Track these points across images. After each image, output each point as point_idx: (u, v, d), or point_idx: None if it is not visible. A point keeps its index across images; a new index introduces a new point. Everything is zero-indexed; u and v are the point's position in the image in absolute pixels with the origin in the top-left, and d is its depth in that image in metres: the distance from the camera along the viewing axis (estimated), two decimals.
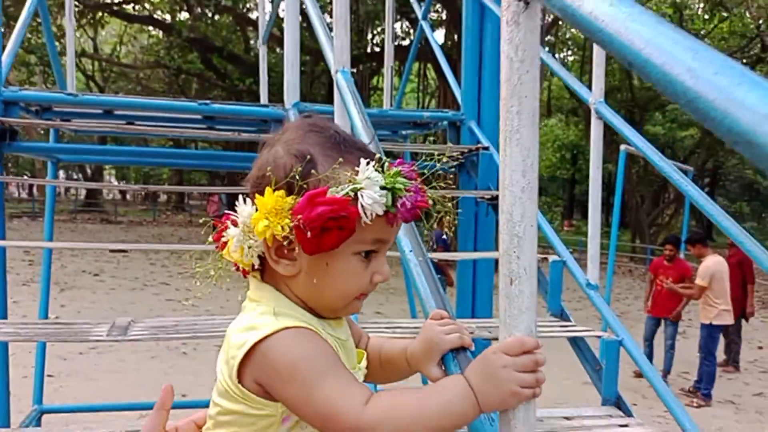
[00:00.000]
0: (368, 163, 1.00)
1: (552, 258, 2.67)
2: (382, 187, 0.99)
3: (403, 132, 4.36)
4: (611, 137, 21.47)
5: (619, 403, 2.35)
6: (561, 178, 33.75)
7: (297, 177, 0.97)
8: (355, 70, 20.61)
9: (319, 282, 1.01)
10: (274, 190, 0.97)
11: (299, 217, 0.94)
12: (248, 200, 1.01)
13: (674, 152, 23.81)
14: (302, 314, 1.03)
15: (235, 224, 1.02)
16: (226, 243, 1.04)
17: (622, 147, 8.19)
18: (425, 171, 1.08)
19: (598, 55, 2.69)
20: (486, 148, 3.25)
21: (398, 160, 1.05)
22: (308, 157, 1.00)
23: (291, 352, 0.95)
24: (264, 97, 4.94)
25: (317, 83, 21.23)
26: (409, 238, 1.52)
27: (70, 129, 3.75)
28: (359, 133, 1.99)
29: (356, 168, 0.99)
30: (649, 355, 8.20)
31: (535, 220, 0.94)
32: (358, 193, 0.97)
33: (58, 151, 3.90)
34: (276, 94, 4.20)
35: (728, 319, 7.72)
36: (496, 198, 3.33)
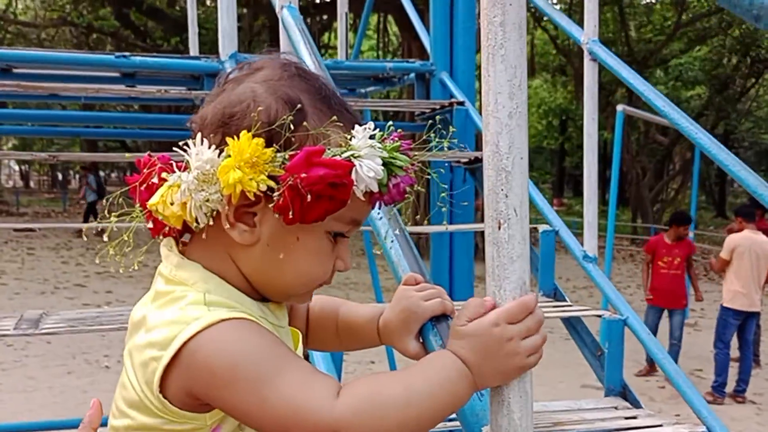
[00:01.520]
0: (366, 129, 0.99)
1: (543, 227, 2.70)
2: (383, 160, 0.99)
3: (363, 90, 4.35)
4: (606, 99, 21.74)
5: (625, 393, 2.39)
6: (548, 149, 34.10)
7: (288, 126, 0.95)
8: None
9: (285, 258, 0.99)
10: (253, 136, 0.94)
11: (294, 176, 0.91)
12: (204, 142, 0.97)
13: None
14: (239, 300, 1.01)
15: (181, 169, 0.99)
16: (152, 190, 1.00)
17: (619, 107, 8.33)
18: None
19: None
20: (461, 103, 3.26)
21: (395, 134, 1.04)
22: (299, 105, 0.98)
23: (231, 348, 0.91)
24: (194, 50, 4.87)
25: (257, 41, 21.01)
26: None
27: None
28: None
29: (347, 132, 0.99)
30: None
31: (525, 150, 0.94)
32: (357, 162, 0.96)
33: None
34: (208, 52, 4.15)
35: (743, 304, 7.85)
36: (475, 161, 3.35)
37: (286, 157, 0.94)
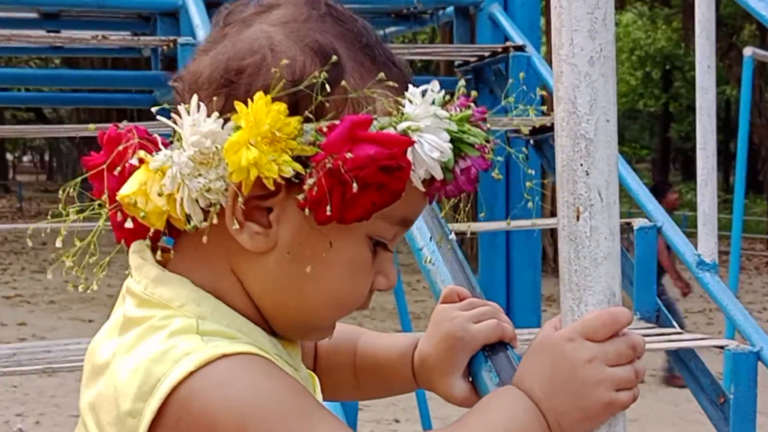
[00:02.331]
0: (425, 91, 1.00)
1: (639, 223, 2.71)
2: (450, 135, 1.00)
3: (381, 31, 4.37)
4: (728, 40, 21.38)
5: None
6: (646, 113, 33.87)
7: (321, 86, 0.94)
8: None
9: (311, 272, 0.99)
10: (272, 100, 0.93)
11: (334, 156, 0.91)
12: (201, 107, 0.95)
13: None
14: (244, 329, 1.01)
15: (166, 146, 0.99)
16: (123, 176, 0.99)
17: (747, 51, 8.29)
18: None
19: None
20: (521, 48, 3.26)
21: (462, 99, 1.05)
22: (334, 57, 0.97)
23: (239, 396, 0.91)
24: None
25: None
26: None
27: None
28: None
29: (398, 94, 1.00)
30: None
31: (613, 110, 0.97)
32: (416, 137, 0.96)
33: None
34: None
35: None
36: (542, 130, 3.36)
37: (320, 129, 0.94)
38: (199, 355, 0.92)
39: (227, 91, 0.97)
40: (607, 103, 0.96)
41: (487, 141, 1.03)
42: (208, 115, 0.95)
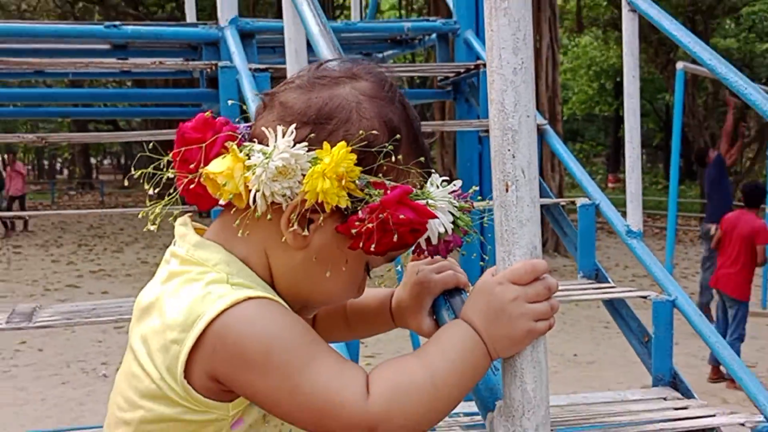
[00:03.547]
0: (446, 185, 1.10)
1: (581, 201, 2.76)
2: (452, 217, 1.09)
3: (379, 54, 4.41)
4: (668, 55, 21.39)
5: (675, 383, 2.45)
6: (601, 117, 33.77)
7: (386, 154, 1.04)
8: None
9: (332, 275, 1.07)
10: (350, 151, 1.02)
11: (387, 211, 1.00)
12: (292, 133, 1.03)
13: (753, 72, 23.86)
14: (263, 286, 1.07)
15: (261, 149, 1.04)
16: (209, 155, 1.06)
17: (679, 65, 8.31)
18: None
19: None
20: None
21: (463, 193, 1.14)
22: (398, 135, 1.07)
23: (264, 329, 0.98)
24: (192, 17, 4.97)
25: (261, 4, 21.12)
26: None
27: None
28: (321, 50, 2.04)
29: (423, 172, 1.10)
30: (723, 333, 8.13)
31: (532, 109, 1.03)
32: (433, 210, 1.05)
33: None
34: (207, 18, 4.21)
35: None
36: None
37: (374, 183, 1.03)
38: (230, 297, 0.99)
39: (313, 128, 1.05)
40: (527, 103, 1.02)
41: (468, 227, 1.13)
42: (298, 141, 1.03)
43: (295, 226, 1.04)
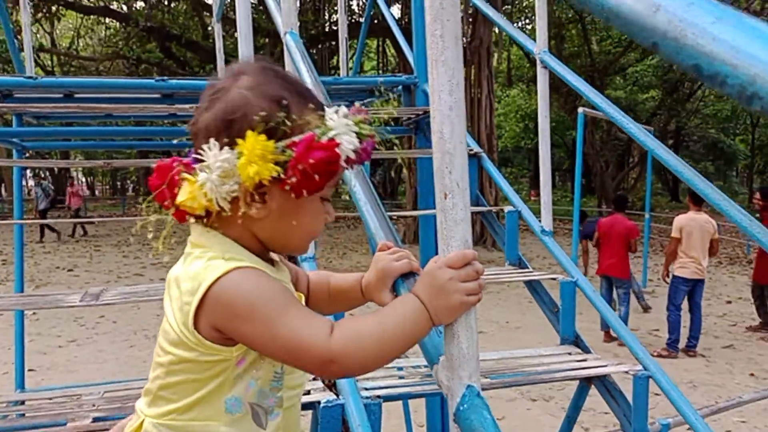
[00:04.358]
0: (337, 111, 1.04)
1: (507, 209, 2.74)
2: (355, 133, 1.03)
3: (359, 102, 4.37)
4: (574, 102, 21.64)
5: (577, 342, 2.43)
6: (525, 149, 33.95)
7: (282, 122, 0.99)
8: (314, 51, 20.46)
9: (297, 223, 1.05)
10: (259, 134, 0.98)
11: (305, 162, 0.96)
12: (215, 144, 1.00)
13: (636, 115, 24.06)
14: (251, 258, 1.05)
15: (188, 165, 1.02)
16: (173, 189, 1.03)
17: (580, 110, 8.34)
18: (384, 135, 1.12)
19: (540, 6, 2.74)
20: None
21: (354, 107, 1.09)
22: (284, 102, 1.02)
23: (246, 290, 0.97)
24: (221, 73, 4.93)
25: (278, 64, 21.05)
26: (359, 181, 1.56)
27: (31, 112, 3.72)
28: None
29: (319, 114, 1.03)
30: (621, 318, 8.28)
31: (463, 137, 0.99)
32: (338, 138, 1.00)
33: (21, 134, 3.85)
34: None
35: (692, 273, 7.87)
36: None
37: (288, 145, 0.98)
38: (223, 267, 0.98)
39: (226, 133, 1.01)
40: (460, 132, 0.98)
41: (373, 132, 1.07)
42: (221, 148, 0.99)
43: (255, 204, 1.01)
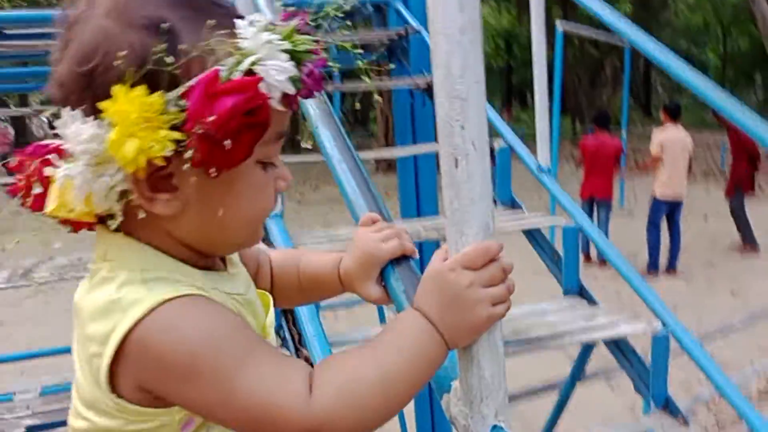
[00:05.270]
0: (252, 22, 0.68)
1: (499, 145, 2.43)
2: (287, 53, 0.68)
3: (330, 25, 3.97)
4: (547, 21, 21.22)
5: (582, 292, 2.19)
6: (497, 69, 33.54)
7: (162, 59, 0.63)
8: None
9: (225, 211, 0.71)
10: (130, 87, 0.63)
11: (203, 121, 0.61)
12: (77, 116, 0.66)
13: (607, 29, 23.67)
14: (183, 273, 0.72)
15: (61, 157, 0.67)
16: (41, 195, 0.69)
17: (558, 24, 7.92)
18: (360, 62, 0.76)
19: None
20: (417, 32, 2.93)
21: (283, 13, 0.72)
22: (164, 25, 0.65)
23: (185, 335, 0.65)
24: None
25: None
26: (329, 129, 1.24)
27: None
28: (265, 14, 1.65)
29: (231, 32, 0.67)
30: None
31: (482, 73, 0.67)
32: (259, 68, 0.65)
33: None
34: None
35: (674, 193, 7.73)
36: (432, 86, 3.06)
37: (181, 95, 0.63)
38: (146, 302, 0.64)
39: (91, 93, 0.65)
40: (476, 66, 0.66)
41: (317, 42, 0.71)
42: (85, 120, 0.64)
43: (160, 195, 0.68)
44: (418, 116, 3.08)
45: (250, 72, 0.65)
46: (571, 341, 1.87)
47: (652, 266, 7.78)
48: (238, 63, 0.65)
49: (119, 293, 0.67)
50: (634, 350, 1.97)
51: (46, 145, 0.70)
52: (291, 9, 0.74)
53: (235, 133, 0.63)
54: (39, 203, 0.69)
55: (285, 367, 0.68)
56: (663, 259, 7.89)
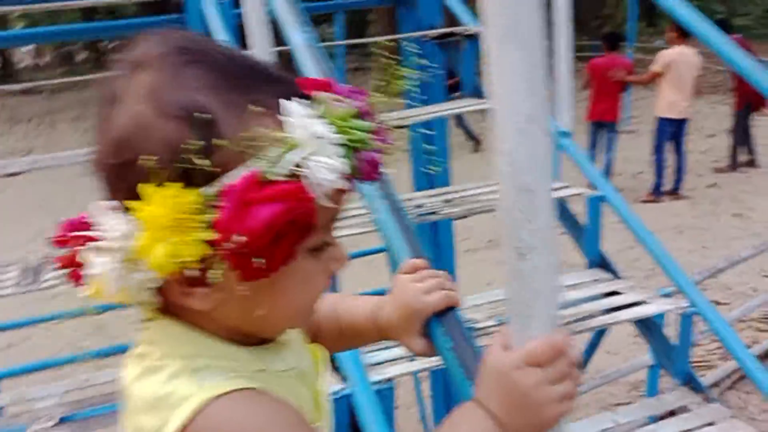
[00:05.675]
0: (301, 106, 0.61)
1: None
2: (340, 146, 0.62)
3: None
4: None
5: (604, 264, 2.15)
6: None
7: (195, 156, 0.57)
8: None
9: (265, 309, 0.65)
10: (161, 186, 0.57)
11: (234, 238, 0.56)
12: (113, 207, 0.61)
13: None
14: (236, 357, 0.69)
15: (97, 249, 0.62)
16: (79, 275, 0.64)
17: None
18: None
19: None
20: None
21: (343, 89, 0.66)
22: (203, 114, 0.59)
23: None
24: None
25: None
26: None
27: None
28: None
29: (271, 117, 0.60)
30: (592, 158, 7.99)
31: (549, 162, 0.61)
32: (305, 164, 0.59)
33: None
34: None
35: (678, 113, 7.61)
36: (444, 36, 2.93)
37: (217, 193, 0.57)
38: (196, 398, 0.61)
39: (125, 186, 0.60)
40: (545, 155, 0.60)
41: (379, 127, 0.65)
42: (120, 214, 0.60)
43: (199, 290, 0.63)
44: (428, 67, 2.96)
45: (291, 176, 0.58)
46: (600, 324, 1.85)
47: (657, 189, 7.74)
48: (282, 157, 0.58)
49: (168, 387, 0.63)
50: (659, 326, 1.96)
51: (85, 226, 0.63)
52: (353, 89, 0.66)
53: (271, 246, 0.58)
54: (79, 280, 0.65)
55: None
56: (668, 181, 7.82)
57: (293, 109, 0.60)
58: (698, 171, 8.68)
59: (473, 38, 2.61)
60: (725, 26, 7.62)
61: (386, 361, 1.69)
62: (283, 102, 0.61)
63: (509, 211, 0.62)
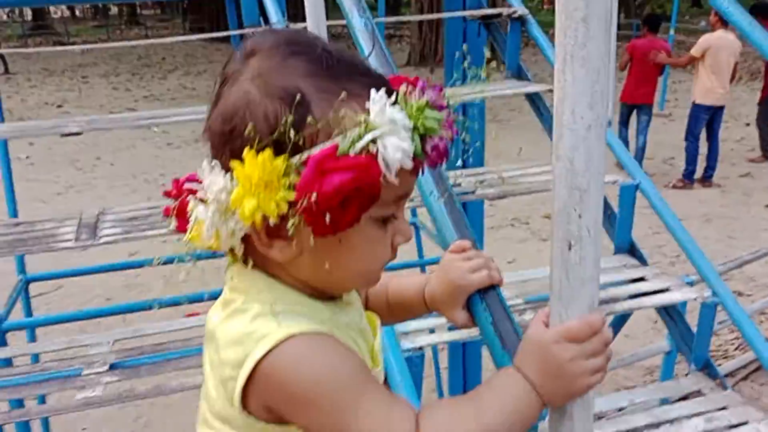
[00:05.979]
0: (383, 95, 0.71)
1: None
2: (411, 130, 0.72)
3: None
4: None
5: (633, 251, 2.22)
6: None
7: (288, 130, 0.69)
8: None
9: (332, 264, 0.76)
10: (257, 152, 0.69)
11: (309, 195, 0.67)
12: (216, 166, 0.74)
13: None
14: (309, 305, 0.80)
15: (201, 200, 0.75)
16: (187, 222, 0.76)
17: None
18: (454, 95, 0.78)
19: None
20: None
21: (420, 83, 0.75)
22: (298, 96, 0.70)
23: (307, 370, 0.73)
24: None
25: None
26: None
27: None
28: None
29: (365, 103, 0.71)
30: (625, 140, 7.93)
31: (602, 167, 0.69)
32: (378, 143, 0.69)
33: None
34: None
35: (715, 100, 7.53)
36: (488, 17, 2.97)
37: (301, 162, 0.69)
38: (274, 336, 0.73)
39: (229, 148, 0.74)
40: (599, 161, 0.70)
41: (448, 118, 0.77)
42: (221, 171, 0.73)
43: (277, 242, 0.75)
44: (471, 47, 3.00)
45: (369, 145, 0.69)
46: (625, 309, 1.93)
47: (688, 176, 7.70)
48: (360, 137, 0.69)
49: (252, 326, 0.75)
50: (680, 313, 2.03)
51: (194, 181, 0.77)
52: (434, 84, 0.76)
53: (339, 207, 0.69)
54: (182, 227, 0.78)
55: (395, 408, 0.76)
56: (700, 168, 7.79)
57: (376, 97, 0.71)
58: (732, 160, 8.58)
59: (518, 20, 2.64)
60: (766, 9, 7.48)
61: (417, 330, 1.78)
62: (371, 92, 0.71)
63: (562, 208, 0.71)
